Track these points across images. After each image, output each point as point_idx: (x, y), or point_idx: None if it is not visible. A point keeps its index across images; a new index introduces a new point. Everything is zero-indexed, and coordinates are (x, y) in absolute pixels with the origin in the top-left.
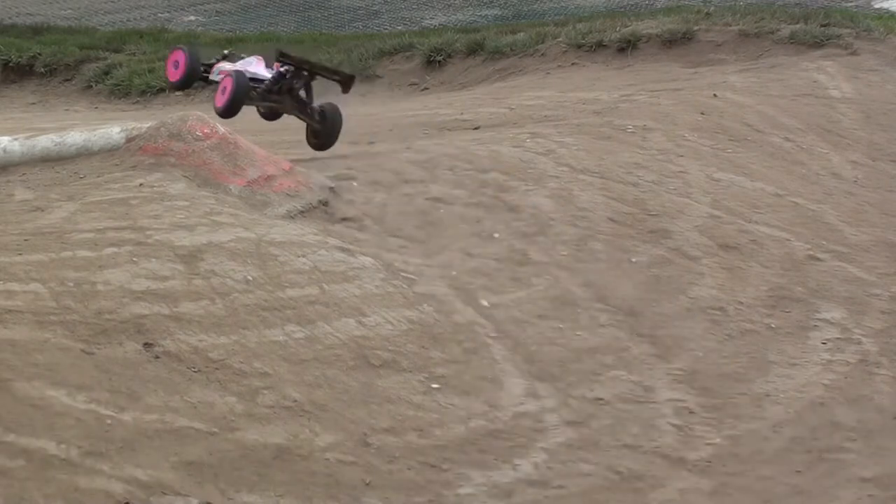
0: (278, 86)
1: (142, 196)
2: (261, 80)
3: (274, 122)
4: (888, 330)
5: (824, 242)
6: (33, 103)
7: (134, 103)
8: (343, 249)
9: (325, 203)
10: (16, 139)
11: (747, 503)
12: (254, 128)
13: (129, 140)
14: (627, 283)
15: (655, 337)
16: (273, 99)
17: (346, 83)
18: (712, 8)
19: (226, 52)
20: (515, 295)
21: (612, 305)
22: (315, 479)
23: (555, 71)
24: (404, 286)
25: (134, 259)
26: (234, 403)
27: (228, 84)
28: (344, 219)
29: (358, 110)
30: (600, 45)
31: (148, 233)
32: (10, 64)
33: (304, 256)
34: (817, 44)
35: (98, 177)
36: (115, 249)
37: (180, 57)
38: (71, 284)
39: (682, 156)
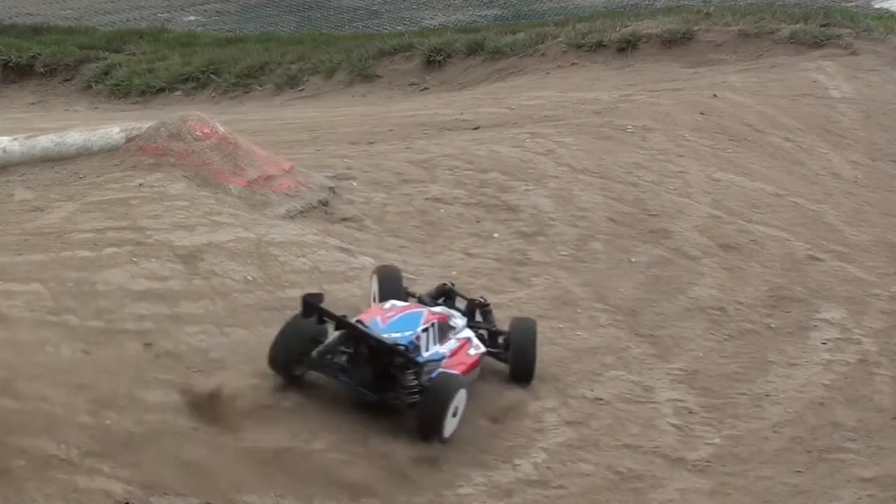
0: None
1: (142, 196)
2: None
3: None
4: (888, 330)
5: (824, 242)
6: (33, 103)
7: (134, 103)
8: (343, 249)
9: (325, 203)
10: (16, 139)
11: (747, 503)
12: (254, 128)
13: (129, 140)
14: (627, 283)
15: (655, 337)
16: None
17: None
18: (712, 8)
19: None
20: (515, 295)
21: (612, 305)
22: (315, 479)
23: (555, 71)
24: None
25: (134, 259)
26: (234, 403)
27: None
28: (344, 219)
29: (358, 110)
30: (600, 45)
31: (148, 233)
32: (10, 64)
33: (304, 256)
34: (817, 44)
35: (98, 177)
36: (115, 249)
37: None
38: (71, 284)
39: (682, 156)
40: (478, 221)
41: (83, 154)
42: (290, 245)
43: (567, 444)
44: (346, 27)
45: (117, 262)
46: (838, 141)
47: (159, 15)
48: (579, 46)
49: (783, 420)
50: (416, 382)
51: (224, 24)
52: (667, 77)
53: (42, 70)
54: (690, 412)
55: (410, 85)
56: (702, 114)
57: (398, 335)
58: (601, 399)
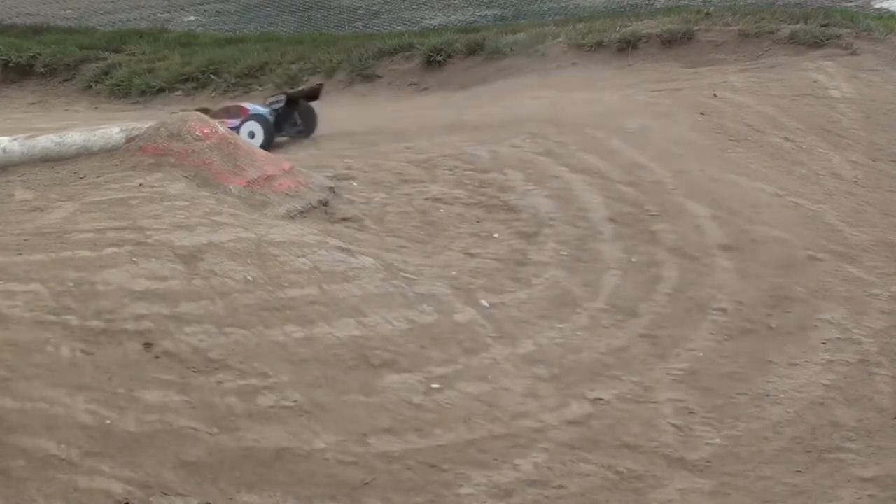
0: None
1: (142, 196)
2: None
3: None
4: (888, 330)
5: (824, 242)
6: (33, 103)
7: (134, 103)
8: (343, 249)
9: (325, 203)
10: (16, 139)
11: (747, 503)
12: None
13: (128, 140)
14: (627, 283)
15: (655, 337)
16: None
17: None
18: (712, 8)
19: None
20: (515, 295)
21: (612, 305)
22: (315, 479)
23: (555, 71)
24: (404, 286)
25: (134, 259)
26: (234, 403)
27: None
28: (344, 219)
29: (358, 110)
30: (600, 45)
31: (148, 233)
32: (10, 64)
33: (304, 256)
34: (817, 44)
35: (98, 177)
36: (115, 249)
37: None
38: (71, 284)
39: (682, 156)
40: (478, 221)
41: (83, 154)
42: (290, 245)
43: (567, 444)
44: (346, 27)
45: (117, 262)
46: (838, 141)
47: (159, 15)
48: (579, 46)
49: (783, 420)
50: None
51: (224, 24)
52: (667, 77)
53: (42, 70)
54: (690, 412)
55: (410, 85)
56: (702, 114)
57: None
58: (601, 399)
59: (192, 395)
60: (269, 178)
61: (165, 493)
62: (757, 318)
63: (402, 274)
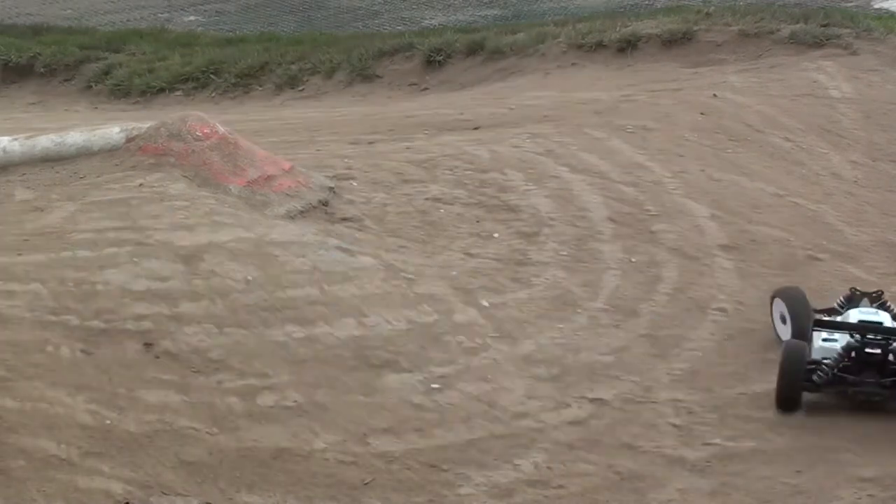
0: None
1: (142, 196)
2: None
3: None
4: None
5: (824, 242)
6: (33, 103)
7: (134, 103)
8: (343, 249)
9: (325, 203)
10: (16, 139)
11: (747, 503)
12: (254, 128)
13: (129, 140)
14: (627, 282)
15: (655, 337)
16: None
17: None
18: (712, 8)
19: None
20: (515, 295)
21: (612, 305)
22: (315, 479)
23: (555, 71)
24: (404, 286)
25: (134, 259)
26: (234, 403)
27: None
28: (344, 219)
29: (358, 110)
30: (600, 45)
31: (148, 233)
32: (10, 64)
33: (304, 256)
34: (817, 44)
35: (98, 177)
36: (115, 249)
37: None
38: (71, 284)
39: (682, 156)
40: (478, 221)
41: (83, 154)
42: (290, 245)
43: (567, 444)
44: (346, 27)
45: (117, 262)
46: (838, 141)
47: (159, 15)
48: (579, 46)
49: (783, 420)
50: None
51: (224, 24)
52: (667, 77)
53: (42, 70)
54: (690, 412)
55: (410, 85)
56: (702, 114)
57: None
58: (601, 399)
59: (192, 395)
60: (269, 178)
61: (165, 493)
62: (757, 318)
63: (402, 274)
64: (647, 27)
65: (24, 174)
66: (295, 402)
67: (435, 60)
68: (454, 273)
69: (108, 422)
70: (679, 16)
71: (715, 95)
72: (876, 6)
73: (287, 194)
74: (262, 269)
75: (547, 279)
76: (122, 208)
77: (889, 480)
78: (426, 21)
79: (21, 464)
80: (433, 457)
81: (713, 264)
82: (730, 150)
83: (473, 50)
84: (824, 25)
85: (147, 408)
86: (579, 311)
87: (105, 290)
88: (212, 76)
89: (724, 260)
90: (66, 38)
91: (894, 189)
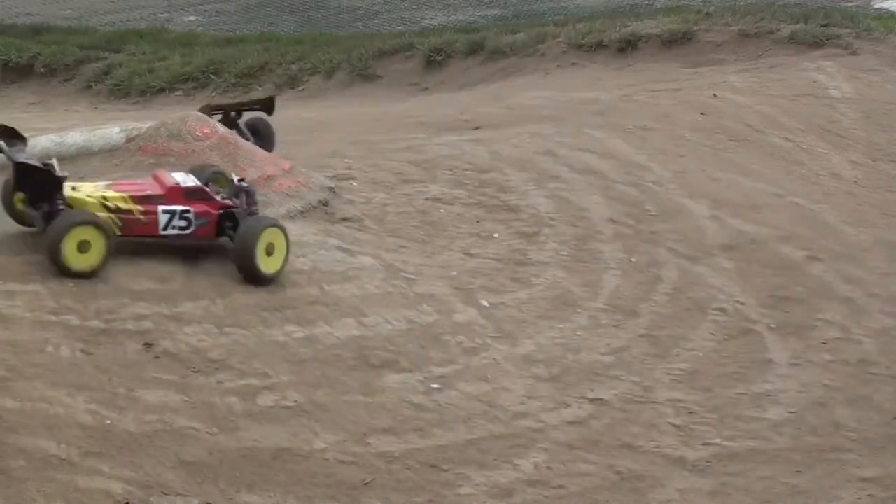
0: None
1: None
2: None
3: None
4: (888, 330)
5: (824, 242)
6: (33, 103)
7: (134, 103)
8: (343, 249)
9: (325, 203)
10: None
11: (747, 503)
12: None
13: (129, 140)
14: (627, 282)
15: (655, 337)
16: None
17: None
18: (712, 8)
19: None
20: (515, 295)
21: (612, 305)
22: (315, 479)
23: (555, 71)
24: (404, 286)
25: (134, 259)
26: (234, 403)
27: None
28: (344, 219)
29: (358, 110)
30: (600, 45)
31: None
32: (10, 64)
33: (304, 256)
34: (817, 44)
35: (98, 177)
36: None
37: None
38: (71, 284)
39: (682, 156)
40: (478, 221)
41: (83, 154)
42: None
43: (567, 444)
44: (346, 27)
45: (117, 262)
46: (838, 141)
47: (159, 15)
48: (579, 46)
49: (783, 420)
50: None
51: (224, 24)
52: (667, 77)
53: (42, 70)
54: (690, 412)
55: (410, 85)
56: (702, 114)
57: None
58: (601, 399)
59: (192, 395)
60: (269, 178)
61: (165, 493)
62: (757, 318)
63: (402, 274)
64: (647, 27)
65: None
66: (295, 402)
67: (435, 60)
68: (454, 273)
69: (108, 422)
70: (679, 16)
71: (715, 95)
72: (876, 6)
73: (287, 194)
74: None
75: (547, 279)
76: None
77: (889, 480)
78: (426, 21)
79: (21, 464)
80: (433, 457)
81: (713, 264)
82: (730, 150)
83: (473, 50)
84: (824, 25)
85: (147, 408)
86: (579, 311)
87: (105, 290)
88: (212, 76)
89: (724, 260)
90: (66, 38)
91: (894, 189)
